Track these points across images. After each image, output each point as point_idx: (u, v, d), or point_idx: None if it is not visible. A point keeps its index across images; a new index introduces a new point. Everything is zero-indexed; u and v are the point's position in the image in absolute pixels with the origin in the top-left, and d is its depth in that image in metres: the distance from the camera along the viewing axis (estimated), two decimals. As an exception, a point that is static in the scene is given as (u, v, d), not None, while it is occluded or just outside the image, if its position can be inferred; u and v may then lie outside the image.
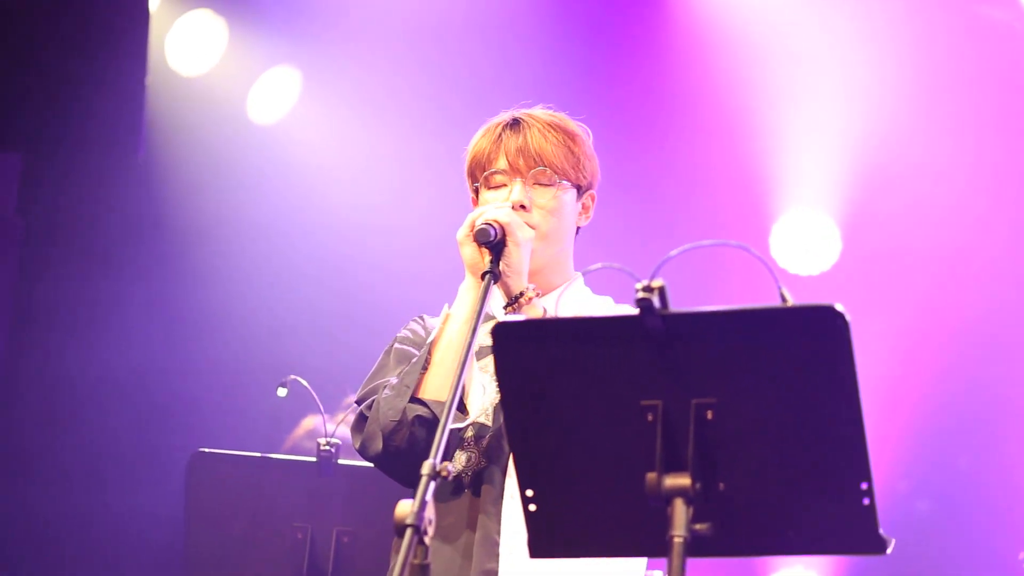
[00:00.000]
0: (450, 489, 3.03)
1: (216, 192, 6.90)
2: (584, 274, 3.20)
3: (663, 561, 2.14)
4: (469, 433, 3.03)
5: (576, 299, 3.22)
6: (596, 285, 3.28)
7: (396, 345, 3.19)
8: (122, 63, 6.73)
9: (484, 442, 3.04)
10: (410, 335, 3.21)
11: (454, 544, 3.00)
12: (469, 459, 3.03)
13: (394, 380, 3.05)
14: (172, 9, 6.92)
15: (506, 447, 3.02)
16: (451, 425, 2.92)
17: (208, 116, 6.96)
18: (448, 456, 2.99)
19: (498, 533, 2.98)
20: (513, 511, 2.99)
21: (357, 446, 3.08)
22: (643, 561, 3.09)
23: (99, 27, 6.65)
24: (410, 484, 3.09)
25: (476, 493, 3.01)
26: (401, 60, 6.91)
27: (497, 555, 2.97)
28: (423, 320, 3.28)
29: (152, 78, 6.81)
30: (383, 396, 3.03)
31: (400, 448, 2.97)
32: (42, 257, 6.69)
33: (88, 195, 6.70)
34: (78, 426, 6.55)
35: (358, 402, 3.12)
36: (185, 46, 6.94)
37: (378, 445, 3.00)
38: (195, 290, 6.83)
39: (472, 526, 2.99)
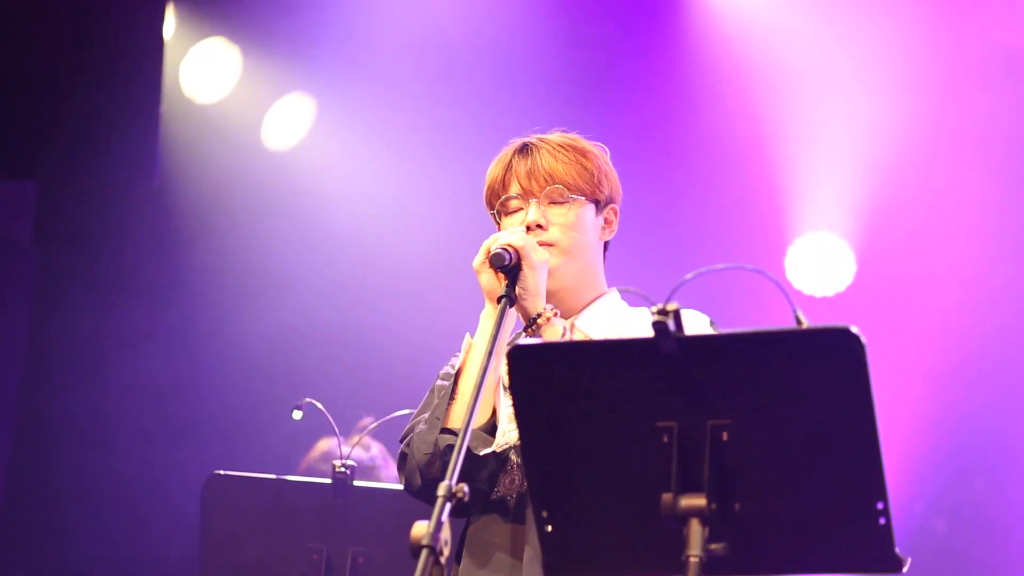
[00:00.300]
0: (496, 511, 3.04)
1: (231, 219, 6.92)
2: (598, 298, 3.21)
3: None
4: (514, 457, 3.04)
5: (608, 315, 3.21)
6: (632, 299, 3.27)
7: (437, 382, 3.21)
8: (137, 91, 6.76)
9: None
10: (450, 370, 3.22)
11: (501, 567, 3.01)
12: (512, 481, 3.04)
13: (427, 416, 3.08)
14: (186, 37, 6.95)
15: None
16: (481, 451, 2.95)
17: (223, 143, 6.99)
18: (492, 474, 3.01)
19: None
20: None
21: (403, 484, 3.11)
22: None
23: (114, 55, 6.68)
24: (455, 513, 3.11)
25: (521, 515, 3.02)
26: (414, 87, 6.93)
27: None
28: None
29: (167, 106, 6.84)
30: (417, 432, 3.07)
31: (437, 479, 2.99)
32: (58, 284, 6.72)
33: (104, 222, 6.73)
34: (94, 450, 6.56)
35: (400, 440, 3.14)
36: (199, 74, 6.97)
37: (418, 480, 3.03)
38: (210, 315, 6.85)
39: (518, 548, 3.00)
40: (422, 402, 3.21)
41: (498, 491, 3.03)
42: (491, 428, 3.01)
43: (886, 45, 6.55)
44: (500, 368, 2.95)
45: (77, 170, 6.69)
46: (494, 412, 3.02)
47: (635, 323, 3.19)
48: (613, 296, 3.25)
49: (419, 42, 6.91)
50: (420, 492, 3.04)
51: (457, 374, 3.07)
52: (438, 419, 3.03)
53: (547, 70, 6.85)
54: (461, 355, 3.09)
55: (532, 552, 2.99)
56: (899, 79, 6.52)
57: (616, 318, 3.21)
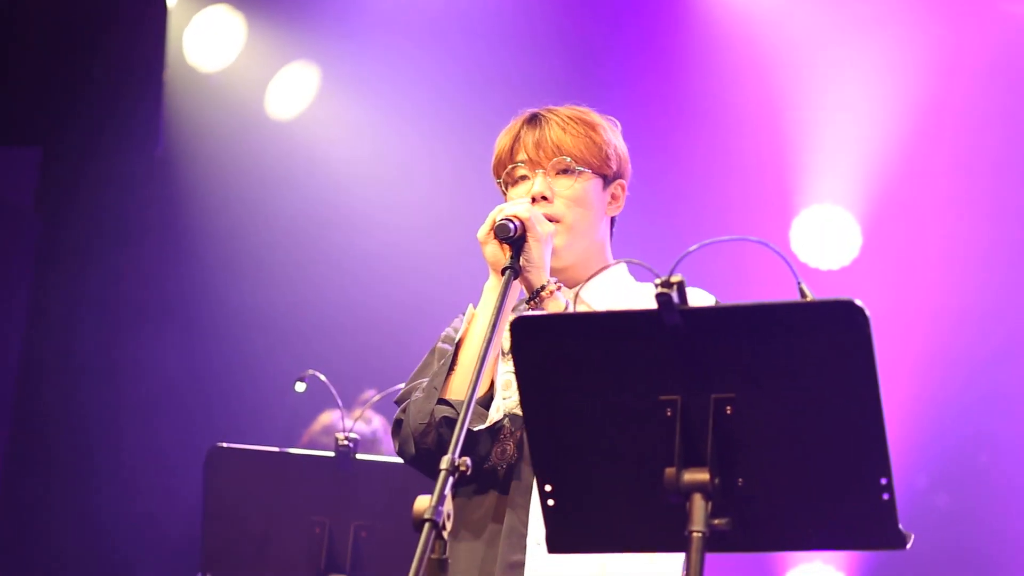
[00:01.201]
0: (482, 481, 3.03)
1: (234, 188, 6.91)
2: (597, 272, 3.18)
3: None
4: (507, 423, 3.03)
5: (614, 288, 3.20)
6: (638, 273, 3.25)
7: (439, 344, 3.18)
8: (141, 59, 6.75)
9: (519, 435, 3.04)
10: (452, 333, 3.20)
11: (481, 535, 3.01)
12: (504, 451, 3.03)
13: (425, 383, 3.07)
14: (190, 5, 6.93)
15: None
16: (476, 426, 2.94)
17: (226, 112, 6.97)
18: (487, 451, 3.00)
19: (525, 525, 2.98)
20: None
21: (397, 450, 3.10)
22: (679, 558, 3.06)
23: (118, 23, 6.67)
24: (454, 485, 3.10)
25: (506, 485, 3.01)
26: (419, 55, 6.91)
27: (524, 547, 2.97)
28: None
29: (170, 74, 6.83)
30: (414, 399, 3.05)
31: (430, 450, 2.98)
32: (60, 251, 6.71)
33: (106, 190, 6.72)
34: (96, 421, 6.57)
35: (398, 403, 3.13)
36: (203, 42, 6.95)
37: (411, 448, 3.02)
38: (213, 285, 6.84)
39: (500, 518, 2.99)
40: (421, 362, 3.19)
41: (490, 461, 3.02)
42: (488, 400, 3.00)
43: (895, 15, 6.51)
44: (502, 340, 2.94)
45: (80, 137, 6.68)
46: (492, 384, 3.01)
47: (640, 297, 3.17)
48: (620, 269, 3.24)
49: (424, 10, 6.88)
50: (414, 460, 3.03)
51: (458, 344, 3.06)
52: (436, 388, 3.01)
53: (555, 37, 6.82)
54: (464, 324, 3.08)
55: (513, 522, 2.98)
56: (908, 49, 6.49)
57: (621, 291, 3.19)
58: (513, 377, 3.01)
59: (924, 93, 6.48)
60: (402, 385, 3.16)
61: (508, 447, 3.03)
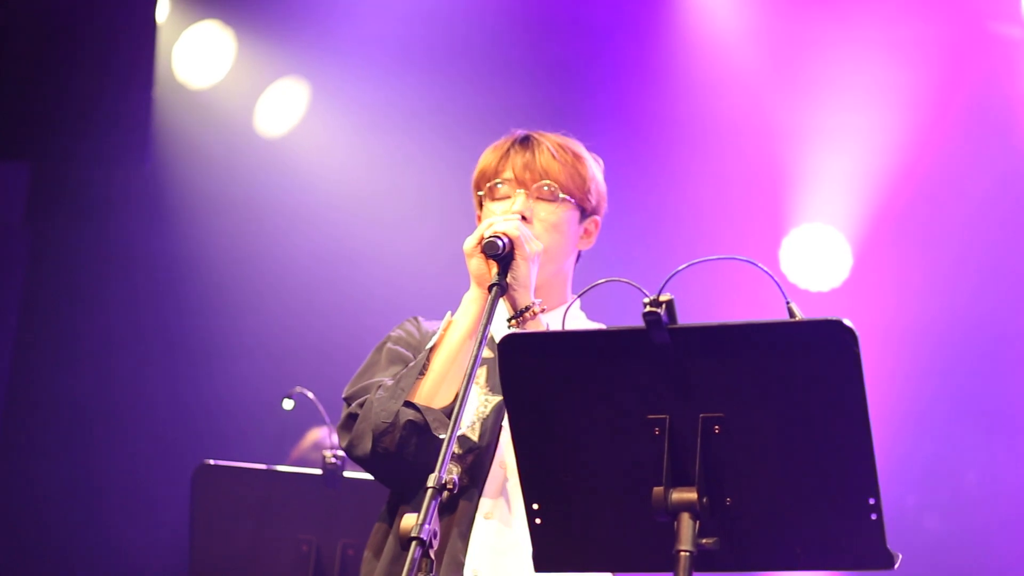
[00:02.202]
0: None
1: (223, 204, 6.90)
2: (588, 290, 3.19)
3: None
4: (457, 449, 3.01)
5: (573, 322, 3.20)
6: (594, 310, 3.27)
7: (389, 345, 3.17)
8: (130, 74, 6.73)
9: (468, 459, 3.02)
10: (404, 335, 3.19)
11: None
12: (454, 474, 3.00)
13: (388, 381, 3.03)
14: (180, 20, 6.93)
15: (488, 466, 3.01)
16: (442, 434, 2.91)
17: (215, 128, 6.97)
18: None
19: (464, 553, 2.95)
20: (482, 532, 2.97)
21: (343, 444, 3.03)
22: None
23: (107, 38, 6.65)
24: (394, 487, 3.07)
25: (452, 511, 2.98)
26: (409, 72, 6.91)
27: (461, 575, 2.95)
28: (418, 322, 3.27)
29: (159, 90, 6.81)
30: (376, 396, 3.00)
31: (388, 451, 2.95)
32: (49, 266, 6.70)
33: (95, 206, 6.71)
34: (84, 438, 6.55)
35: (346, 399, 3.10)
36: (193, 58, 6.95)
37: (367, 446, 2.97)
38: (201, 301, 6.83)
39: (443, 544, 2.94)
40: (366, 361, 3.16)
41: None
42: (450, 411, 2.93)
43: (884, 34, 6.53)
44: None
45: (69, 153, 6.66)
46: (456, 397, 2.98)
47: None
48: (575, 305, 3.23)
49: (413, 27, 6.89)
50: (365, 458, 2.98)
51: (431, 350, 3.04)
52: (403, 390, 2.98)
53: (544, 56, 6.83)
54: (439, 331, 3.07)
55: (453, 550, 2.94)
56: (898, 68, 6.50)
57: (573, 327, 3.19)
58: (471, 396, 3.00)
59: (915, 112, 6.49)
60: None
61: (455, 469, 3.00)
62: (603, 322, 3.26)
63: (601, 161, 3.28)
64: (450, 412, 2.91)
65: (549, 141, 3.20)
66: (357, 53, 6.95)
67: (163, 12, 6.81)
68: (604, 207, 3.27)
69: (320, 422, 4.46)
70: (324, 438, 4.36)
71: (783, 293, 2.34)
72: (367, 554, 3.08)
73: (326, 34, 6.95)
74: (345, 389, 3.11)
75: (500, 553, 2.94)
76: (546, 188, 3.15)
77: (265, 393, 6.04)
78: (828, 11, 6.60)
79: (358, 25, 6.93)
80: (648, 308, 2.12)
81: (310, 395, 4.25)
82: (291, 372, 6.12)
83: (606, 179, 3.30)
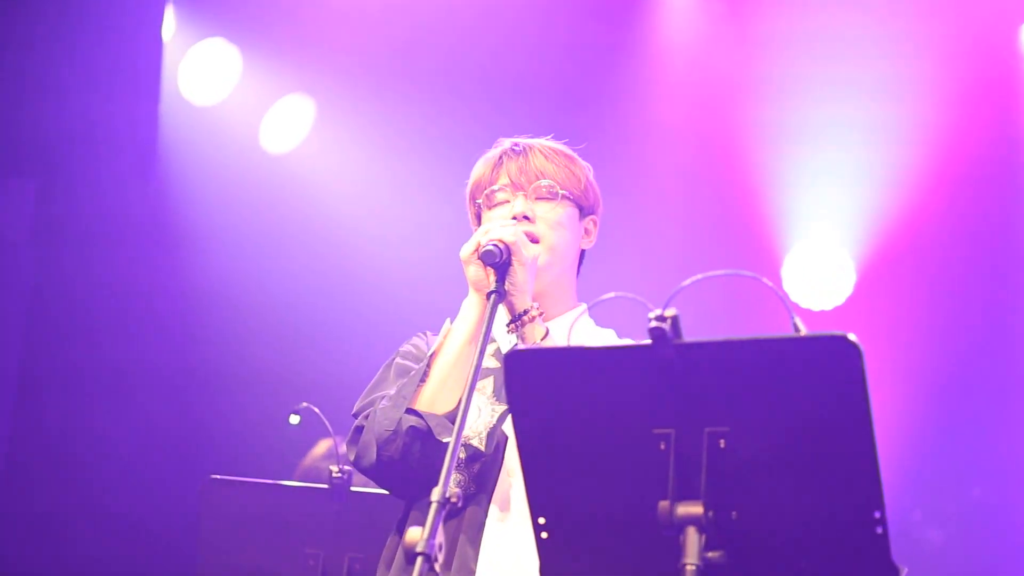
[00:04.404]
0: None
1: (229, 221, 6.92)
2: (595, 304, 3.20)
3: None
4: (462, 455, 3.03)
5: (582, 330, 3.22)
6: (600, 317, 3.29)
7: (397, 360, 3.19)
8: (136, 92, 6.75)
9: (476, 467, 3.03)
10: (412, 350, 3.21)
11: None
12: (459, 482, 3.02)
13: (392, 392, 3.05)
14: (186, 38, 6.95)
15: (496, 475, 3.02)
16: (445, 438, 2.92)
17: (221, 145, 6.98)
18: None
19: (475, 561, 2.96)
20: (493, 540, 2.98)
21: (352, 457, 3.06)
22: None
23: (113, 55, 6.68)
24: (402, 495, 3.09)
25: (460, 518, 3.00)
26: (413, 88, 6.93)
27: None
28: (426, 336, 3.29)
29: (165, 107, 6.83)
30: (380, 407, 3.03)
31: (393, 458, 2.96)
32: (55, 284, 6.71)
33: (101, 223, 6.72)
34: (91, 452, 6.55)
35: (355, 415, 3.11)
36: (198, 75, 6.97)
37: (372, 455, 2.99)
38: (208, 317, 6.84)
39: (451, 552, 2.97)
40: (376, 377, 3.18)
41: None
42: (453, 416, 2.96)
43: (882, 50, 6.54)
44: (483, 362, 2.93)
45: (75, 171, 6.68)
46: (459, 403, 2.99)
47: (603, 342, 3.20)
48: (583, 310, 3.25)
49: (417, 44, 6.91)
50: (374, 469, 3.00)
51: (431, 357, 3.06)
52: (404, 398, 3.00)
53: (547, 73, 6.85)
54: (439, 338, 3.08)
55: (464, 557, 2.95)
56: (898, 86, 6.51)
57: (583, 335, 3.21)
58: (476, 405, 3.02)
59: (918, 130, 6.49)
60: None
61: (463, 478, 3.02)
62: (610, 326, 3.28)
63: (591, 167, 3.30)
64: (453, 418, 2.94)
65: (540, 145, 3.24)
66: (362, 70, 6.97)
67: (169, 30, 6.84)
68: (600, 208, 3.30)
69: (327, 437, 4.46)
70: (331, 453, 4.36)
71: (788, 308, 2.35)
72: (380, 567, 3.09)
73: (331, 51, 6.97)
74: (355, 405, 3.13)
75: (511, 561, 2.96)
76: (544, 187, 3.17)
77: (272, 408, 6.04)
78: (827, 23, 6.61)
79: (363, 42, 6.95)
80: (654, 323, 2.13)
81: (316, 410, 4.25)
82: (298, 387, 6.13)
83: (608, 195, 3.33)
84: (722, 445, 2.16)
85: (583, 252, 3.30)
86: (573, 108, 6.69)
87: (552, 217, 3.16)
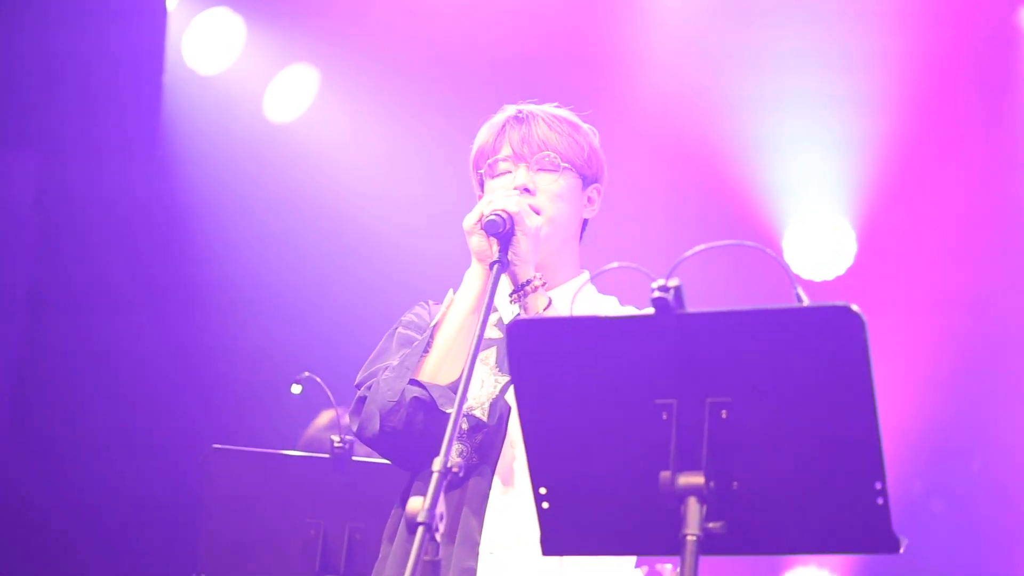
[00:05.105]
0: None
1: (233, 190, 6.91)
2: (598, 274, 3.20)
3: (651, 560, 2.14)
4: (464, 425, 3.03)
5: (583, 298, 3.22)
6: (603, 285, 3.28)
7: (400, 330, 3.19)
8: (139, 61, 6.74)
9: (478, 438, 3.03)
10: (415, 320, 3.21)
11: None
12: (461, 452, 3.02)
13: (395, 363, 3.05)
14: (189, 7, 6.93)
15: (499, 446, 3.02)
16: (448, 408, 2.93)
17: (225, 114, 6.97)
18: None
19: (479, 532, 2.97)
20: (497, 511, 2.98)
21: (355, 428, 3.07)
22: (631, 560, 3.08)
23: (116, 25, 6.66)
24: (405, 466, 3.10)
25: (464, 489, 3.01)
26: (418, 57, 6.91)
27: (477, 554, 2.96)
28: (428, 306, 3.29)
29: (169, 76, 6.82)
30: (383, 377, 3.03)
31: (396, 429, 2.97)
32: (58, 254, 6.71)
33: (104, 193, 6.71)
34: (92, 424, 6.56)
35: (357, 385, 3.12)
36: (202, 44, 6.95)
37: (375, 426, 3.00)
38: (211, 287, 6.84)
39: (455, 521, 2.98)
40: (378, 347, 3.19)
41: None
42: (455, 386, 2.97)
43: (882, 19, 6.51)
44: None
45: (79, 140, 6.67)
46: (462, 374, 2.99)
47: (605, 309, 3.20)
48: (585, 279, 3.25)
49: (421, 11, 6.89)
50: (377, 439, 3.01)
51: (434, 327, 3.06)
52: (408, 369, 3.01)
53: (552, 42, 6.83)
54: (442, 308, 3.08)
55: (468, 528, 2.96)
56: (898, 53, 6.49)
57: (586, 303, 3.21)
58: (479, 377, 3.02)
59: (919, 97, 6.47)
60: None
61: (465, 448, 3.02)
62: (612, 294, 3.28)
63: (596, 132, 3.29)
64: (456, 388, 2.93)
65: (543, 113, 3.23)
66: (366, 39, 6.95)
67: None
68: (605, 174, 3.29)
69: (329, 406, 4.47)
70: (333, 422, 4.37)
71: (790, 278, 2.34)
72: (384, 537, 3.10)
73: (336, 20, 6.95)
74: (358, 375, 3.13)
75: (516, 532, 2.96)
76: (547, 159, 3.17)
77: (274, 378, 6.05)
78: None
79: (367, 11, 6.93)
80: (656, 293, 2.13)
81: (318, 380, 4.26)
82: (300, 357, 6.13)
83: (613, 165, 3.32)
84: (724, 415, 2.16)
85: (586, 220, 3.29)
86: (586, 76, 6.66)
87: (554, 189, 3.16)
